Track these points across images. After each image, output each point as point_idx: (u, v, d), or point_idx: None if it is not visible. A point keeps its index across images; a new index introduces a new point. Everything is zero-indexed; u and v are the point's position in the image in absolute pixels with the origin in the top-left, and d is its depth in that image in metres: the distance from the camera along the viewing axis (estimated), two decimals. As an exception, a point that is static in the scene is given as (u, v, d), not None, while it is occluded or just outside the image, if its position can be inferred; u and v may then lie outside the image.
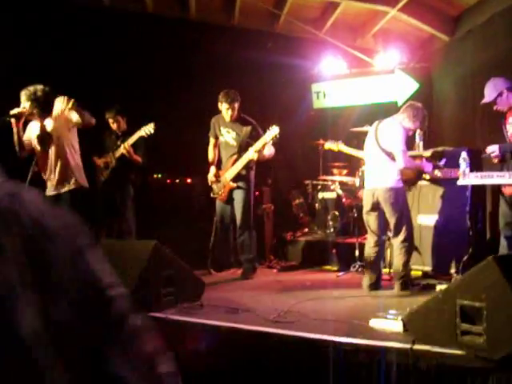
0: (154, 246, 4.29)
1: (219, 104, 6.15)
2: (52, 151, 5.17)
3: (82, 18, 7.31)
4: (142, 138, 6.14)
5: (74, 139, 5.27)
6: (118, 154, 6.26)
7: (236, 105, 6.10)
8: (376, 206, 5.15)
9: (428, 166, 5.28)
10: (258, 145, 5.96)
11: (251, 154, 5.96)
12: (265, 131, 5.92)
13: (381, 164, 5.08)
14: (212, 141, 6.40)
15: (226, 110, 6.08)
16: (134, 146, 6.23)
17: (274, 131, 5.82)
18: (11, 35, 6.55)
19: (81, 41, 7.25)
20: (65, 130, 5.16)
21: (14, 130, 4.98)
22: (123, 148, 6.17)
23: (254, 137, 6.08)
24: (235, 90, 6.16)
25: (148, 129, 6.09)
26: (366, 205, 5.25)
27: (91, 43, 7.32)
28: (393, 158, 5.01)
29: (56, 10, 7.09)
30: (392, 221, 5.04)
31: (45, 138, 5.09)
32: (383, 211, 5.10)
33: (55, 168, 5.17)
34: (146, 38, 7.83)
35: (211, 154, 6.39)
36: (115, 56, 7.60)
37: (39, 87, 4.98)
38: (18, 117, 4.90)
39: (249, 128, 6.14)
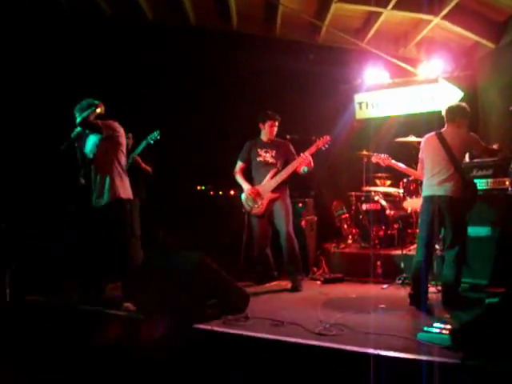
0: (199, 257, 4.32)
1: (261, 123, 6.34)
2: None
3: (125, 31, 7.49)
4: (147, 147, 6.28)
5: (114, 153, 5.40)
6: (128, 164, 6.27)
7: (277, 124, 6.38)
8: (436, 216, 4.98)
9: None
10: (310, 150, 6.17)
11: (303, 157, 6.11)
12: (310, 142, 6.06)
13: (448, 173, 4.97)
14: (240, 164, 6.51)
15: (269, 128, 6.33)
16: (141, 156, 6.39)
17: (326, 138, 6.19)
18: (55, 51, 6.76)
19: (123, 55, 7.41)
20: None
21: (78, 149, 5.33)
22: (131, 158, 6.25)
23: (291, 153, 6.36)
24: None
25: (154, 136, 6.27)
26: (426, 214, 5.06)
27: (132, 57, 7.48)
28: (460, 168, 4.94)
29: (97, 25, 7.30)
30: (450, 232, 4.93)
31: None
32: (440, 221, 4.99)
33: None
34: (187, 51, 7.95)
35: (239, 176, 6.49)
36: (157, 69, 7.74)
37: (91, 101, 5.18)
38: (79, 137, 5.25)
39: (289, 145, 6.43)
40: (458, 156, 4.99)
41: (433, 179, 5.07)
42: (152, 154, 6.54)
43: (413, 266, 5.10)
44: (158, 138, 6.27)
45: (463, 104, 5.26)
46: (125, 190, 5.32)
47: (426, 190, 5.13)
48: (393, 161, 6.26)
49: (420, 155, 5.38)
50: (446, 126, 5.21)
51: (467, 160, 5.89)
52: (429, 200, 5.04)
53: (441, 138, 5.07)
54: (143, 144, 6.31)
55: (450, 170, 4.95)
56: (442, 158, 5.01)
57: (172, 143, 7.57)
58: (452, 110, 5.23)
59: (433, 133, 5.22)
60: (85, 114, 5.08)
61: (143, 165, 6.42)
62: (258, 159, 6.37)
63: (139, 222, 5.90)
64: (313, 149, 6.19)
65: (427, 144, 5.24)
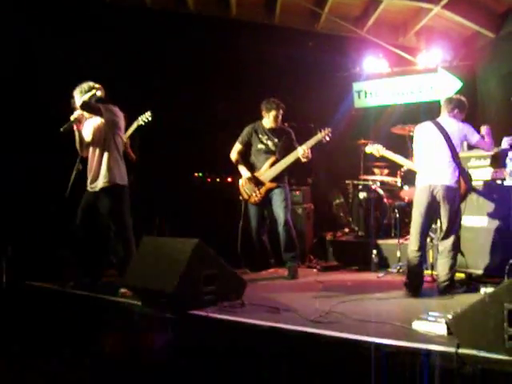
0: (196, 244, 4.32)
1: (265, 111, 6.28)
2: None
3: (125, 18, 7.44)
4: (138, 129, 6.01)
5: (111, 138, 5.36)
6: None
7: (282, 112, 6.32)
8: (431, 205, 4.99)
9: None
10: (310, 142, 6.17)
11: (301, 151, 6.07)
12: (309, 130, 6.04)
13: (445, 161, 4.97)
14: (239, 147, 6.47)
15: (274, 117, 6.28)
16: (131, 138, 6.08)
17: (327, 130, 6.17)
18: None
19: (124, 41, 7.37)
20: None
21: (76, 132, 5.22)
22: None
23: (293, 142, 6.34)
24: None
25: (145, 117, 6.01)
26: (421, 203, 5.04)
27: (132, 44, 7.44)
28: (457, 157, 4.95)
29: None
30: (446, 221, 4.92)
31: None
32: (435, 210, 5.01)
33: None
34: (185, 36, 7.90)
35: (236, 157, 6.45)
36: (157, 56, 7.70)
37: (92, 84, 5.14)
38: (79, 120, 5.15)
39: (291, 133, 6.41)
40: (455, 144, 4.98)
41: (429, 167, 5.06)
42: (148, 139, 6.45)
43: (408, 254, 5.11)
44: (150, 119, 6.01)
45: (463, 98, 5.26)
46: (121, 175, 5.29)
47: (422, 179, 5.12)
48: (386, 151, 6.22)
49: (414, 146, 5.36)
50: (442, 114, 5.21)
51: (465, 149, 5.89)
52: (424, 189, 5.02)
53: (438, 126, 5.06)
54: (134, 126, 6.03)
55: (447, 158, 4.94)
56: (438, 146, 5.00)
57: (170, 129, 7.55)
58: (451, 101, 5.22)
59: (428, 121, 5.21)
60: (86, 96, 5.04)
61: (129, 149, 6.07)
62: (259, 146, 6.34)
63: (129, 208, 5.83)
64: (313, 141, 6.17)
65: (423, 132, 5.22)
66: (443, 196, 4.88)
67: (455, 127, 5.02)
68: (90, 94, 5.06)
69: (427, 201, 4.96)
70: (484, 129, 5.33)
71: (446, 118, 5.14)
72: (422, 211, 5.01)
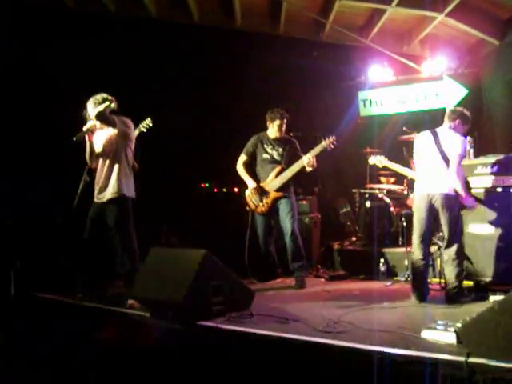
0: (204, 255, 4.32)
1: (270, 121, 6.31)
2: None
3: (129, 29, 7.51)
4: (140, 138, 5.91)
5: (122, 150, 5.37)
6: None
7: (286, 122, 6.34)
8: (430, 212, 5.02)
9: (469, 201, 5.07)
10: (315, 150, 6.17)
11: (306, 160, 6.08)
12: (314, 139, 6.07)
13: (442, 170, 4.97)
14: (244, 157, 6.51)
15: (278, 126, 6.30)
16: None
17: (331, 138, 6.15)
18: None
19: (129, 52, 7.43)
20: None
21: (88, 143, 5.22)
22: None
23: (297, 151, 6.35)
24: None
25: (146, 123, 6.00)
26: (420, 211, 5.09)
27: (137, 54, 7.49)
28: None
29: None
30: (447, 229, 4.93)
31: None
32: (435, 218, 5.00)
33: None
34: (190, 47, 7.95)
35: (242, 168, 6.48)
36: (162, 67, 7.74)
37: (105, 95, 5.18)
38: (91, 130, 5.16)
39: (296, 143, 6.44)
40: (448, 154, 4.98)
41: (427, 176, 5.11)
42: (156, 148, 6.46)
43: (412, 263, 5.13)
44: (151, 125, 5.99)
45: (467, 112, 5.26)
46: (129, 187, 5.32)
47: (420, 187, 5.16)
48: (388, 162, 6.27)
49: (414, 154, 5.39)
50: (443, 124, 5.23)
51: (471, 157, 5.90)
52: (423, 197, 5.06)
53: (434, 135, 5.10)
54: (136, 133, 5.85)
55: (444, 167, 4.96)
56: (435, 156, 5.02)
57: (176, 140, 7.58)
58: (454, 112, 5.25)
59: (427, 131, 5.24)
60: (101, 107, 5.07)
61: (133, 159, 6.00)
62: (264, 156, 6.36)
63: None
64: (318, 149, 6.17)
65: (421, 142, 5.27)
66: (441, 204, 4.92)
67: (450, 139, 5.03)
68: (104, 105, 5.08)
69: (426, 209, 5.02)
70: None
71: (445, 129, 5.16)
72: (421, 219, 5.07)
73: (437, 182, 4.98)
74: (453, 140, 5.01)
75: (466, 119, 5.21)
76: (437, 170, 5.00)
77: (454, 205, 4.94)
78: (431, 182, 5.03)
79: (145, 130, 6.04)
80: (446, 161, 4.96)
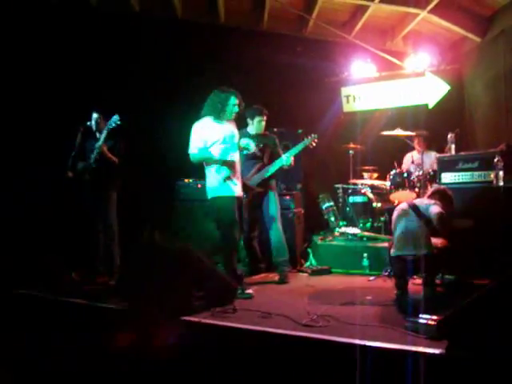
0: (186, 249, 4.33)
1: (249, 117, 6.33)
2: None
3: (113, 24, 7.48)
4: (112, 133, 5.96)
5: None
6: (94, 155, 5.97)
7: (265, 118, 6.37)
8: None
9: None
10: (295, 150, 6.20)
11: (285, 160, 6.10)
12: (296, 135, 6.06)
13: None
14: None
15: (259, 122, 6.33)
16: (110, 145, 6.04)
17: (313, 137, 6.16)
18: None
19: (112, 47, 7.40)
20: None
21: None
22: (97, 147, 5.92)
23: (277, 148, 6.41)
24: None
25: (113, 121, 5.93)
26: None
27: (117, 48, 7.48)
28: None
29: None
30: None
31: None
32: None
33: None
34: (174, 43, 7.92)
35: None
36: (145, 61, 7.71)
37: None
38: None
39: (275, 139, 6.47)
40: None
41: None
42: (140, 145, 6.46)
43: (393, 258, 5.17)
44: (119, 122, 5.91)
45: (449, 192, 5.26)
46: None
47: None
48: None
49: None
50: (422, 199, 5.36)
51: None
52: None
53: (415, 209, 5.09)
54: (104, 132, 5.90)
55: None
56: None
57: (159, 135, 7.55)
58: (437, 192, 5.27)
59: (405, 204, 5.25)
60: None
61: (109, 155, 5.99)
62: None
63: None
64: (299, 147, 6.20)
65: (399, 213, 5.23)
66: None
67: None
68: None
69: None
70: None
71: (424, 200, 5.20)
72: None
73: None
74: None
75: (448, 199, 5.22)
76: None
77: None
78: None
79: (113, 126, 5.93)
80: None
